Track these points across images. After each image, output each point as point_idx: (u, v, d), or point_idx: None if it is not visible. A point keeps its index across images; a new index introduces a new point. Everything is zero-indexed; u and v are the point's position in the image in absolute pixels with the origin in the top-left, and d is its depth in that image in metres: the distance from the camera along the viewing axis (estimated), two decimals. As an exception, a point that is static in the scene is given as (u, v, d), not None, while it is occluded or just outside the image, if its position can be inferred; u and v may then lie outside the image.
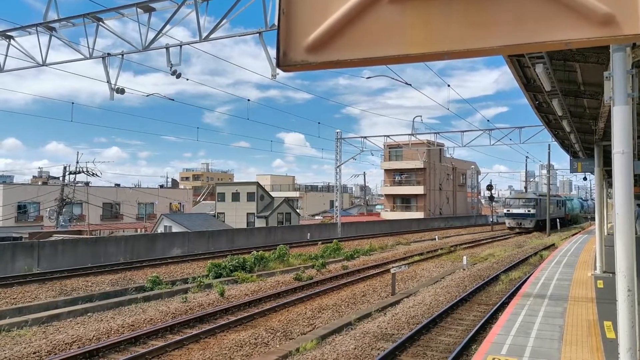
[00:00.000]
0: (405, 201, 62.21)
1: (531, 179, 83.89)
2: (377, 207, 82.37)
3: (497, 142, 35.49)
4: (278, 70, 12.71)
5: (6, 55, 15.84)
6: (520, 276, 18.61)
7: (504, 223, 48.56)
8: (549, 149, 42.12)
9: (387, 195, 64.08)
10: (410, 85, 23.26)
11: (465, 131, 36.70)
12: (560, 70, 9.71)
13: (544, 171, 60.12)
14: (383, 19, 1.17)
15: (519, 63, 9.60)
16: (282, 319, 12.87)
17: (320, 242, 30.94)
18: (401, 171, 62.26)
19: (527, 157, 74.75)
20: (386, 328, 11.67)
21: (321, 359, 9.34)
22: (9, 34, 15.57)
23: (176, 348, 10.52)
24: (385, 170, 62.79)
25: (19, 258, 20.94)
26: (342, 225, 40.57)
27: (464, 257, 22.85)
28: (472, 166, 71.18)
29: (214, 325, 12.12)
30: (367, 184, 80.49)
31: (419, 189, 59.93)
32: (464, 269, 21.02)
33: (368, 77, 46.70)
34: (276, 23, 1.26)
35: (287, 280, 18.57)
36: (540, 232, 43.44)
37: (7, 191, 48.89)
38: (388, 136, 43.97)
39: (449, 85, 31.15)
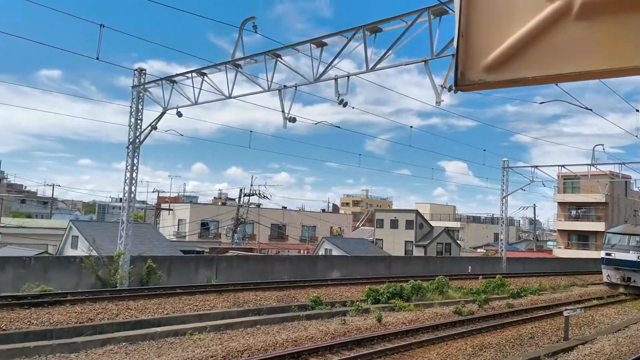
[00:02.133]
0: (582, 238, 56.26)
1: None
2: (549, 243, 75.70)
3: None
4: (442, 97, 12.64)
5: (200, 90, 18.18)
6: None
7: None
8: None
9: (560, 231, 58.63)
10: (591, 110, 21.20)
11: (659, 162, 32.14)
12: None
13: None
14: (568, 36, 1.17)
15: None
16: (441, 353, 12.46)
17: (481, 277, 29.39)
18: (578, 205, 56.58)
19: None
20: (557, 375, 10.61)
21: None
22: (203, 71, 17.86)
23: (334, 367, 10.80)
24: (559, 203, 57.62)
25: (201, 270, 23.48)
26: (508, 260, 38.06)
27: (656, 306, 19.79)
28: (667, 202, 61.77)
29: (371, 350, 12.20)
30: (536, 218, 74.61)
31: (599, 226, 53.73)
32: (656, 320, 18.21)
33: (541, 103, 43.92)
34: (455, 45, 1.33)
35: (446, 313, 17.95)
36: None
37: (193, 210, 55.32)
38: (563, 166, 40.34)
39: (637, 110, 27.69)
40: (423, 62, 12.94)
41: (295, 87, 16.21)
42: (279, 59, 15.87)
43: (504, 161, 38.13)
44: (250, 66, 17.06)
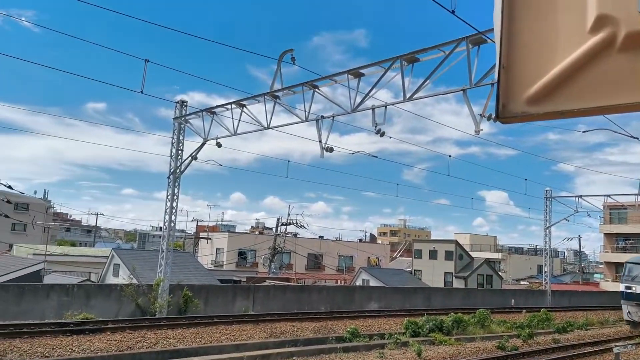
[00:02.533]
0: (632, 271, 53.74)
1: None
2: (595, 275, 72.59)
3: None
4: (482, 126, 12.50)
5: (239, 121, 18.57)
6: None
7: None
8: None
9: (607, 263, 56.26)
10: (637, 139, 20.51)
11: None
12: None
13: None
14: (613, 67, 1.15)
15: None
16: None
17: (525, 310, 28.34)
18: (625, 236, 54.33)
19: None
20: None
21: None
22: (242, 102, 18.27)
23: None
24: (606, 234, 55.47)
25: (238, 299, 23.53)
26: (552, 293, 36.66)
27: None
28: None
29: (410, 385, 11.84)
30: (582, 249, 71.94)
31: (649, 258, 51.33)
32: None
33: (584, 131, 42.78)
34: (496, 77, 1.32)
35: (489, 348, 17.34)
36: None
37: (231, 239, 55.85)
38: (609, 195, 38.93)
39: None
40: (462, 92, 12.88)
41: (333, 117, 16.36)
42: (316, 89, 16.09)
43: (546, 190, 37.13)
44: (288, 97, 17.37)
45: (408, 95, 13.89)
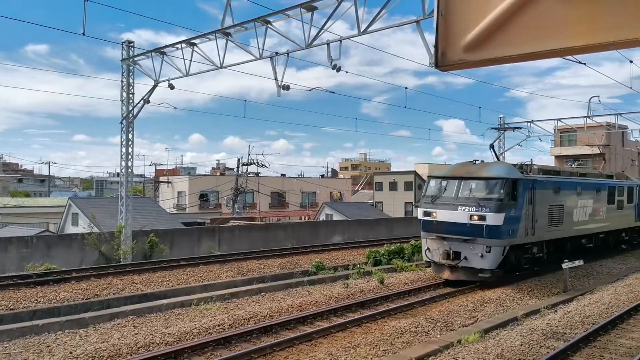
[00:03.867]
0: (580, 190, 56.65)
1: None
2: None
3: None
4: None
5: (190, 60, 17.92)
6: None
7: None
8: None
9: (557, 184, 58.99)
10: (584, 64, 21.02)
11: (655, 111, 31.99)
12: None
13: None
14: (545, 14, 1.17)
15: None
16: (443, 310, 12.73)
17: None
18: (575, 157, 56.60)
19: None
20: (557, 326, 10.89)
21: (484, 353, 9.07)
22: (192, 41, 17.56)
23: (340, 330, 11.05)
24: (556, 157, 57.69)
25: (203, 241, 23.71)
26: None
27: (652, 254, 20.10)
28: (664, 150, 61.91)
29: (375, 311, 12.46)
30: (534, 172, 74.75)
31: (596, 177, 54.06)
32: (653, 268, 18.55)
33: (535, 57, 43.23)
34: (434, 25, 1.33)
35: (447, 271, 18.22)
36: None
37: (192, 181, 55.39)
38: (559, 119, 40.21)
39: (631, 62, 27.37)
40: (415, 23, 12.75)
41: (288, 53, 16.00)
42: (269, 25, 15.59)
43: (500, 117, 38.06)
44: (240, 34, 16.79)
45: (363, 28, 13.65)
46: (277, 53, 16.16)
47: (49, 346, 9.75)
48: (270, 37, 17.58)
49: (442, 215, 15.68)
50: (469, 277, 15.38)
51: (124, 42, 20.09)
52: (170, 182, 57.60)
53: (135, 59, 19.98)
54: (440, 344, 9.72)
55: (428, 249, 16.38)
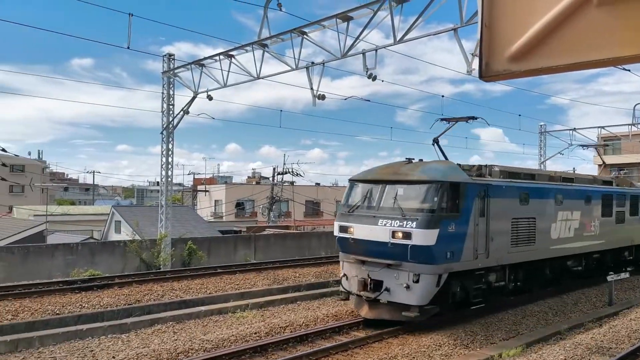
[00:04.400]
0: (625, 200, 54.66)
1: None
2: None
3: None
4: (474, 65, 12.36)
5: (228, 72, 18.30)
6: None
7: None
8: None
9: (601, 194, 57.08)
10: (629, 70, 20.40)
11: None
12: None
13: None
14: (590, 24, 1.17)
15: None
16: (482, 322, 12.47)
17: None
18: (620, 166, 54.83)
19: None
20: (602, 341, 10.52)
21: (524, 367, 8.85)
22: (230, 53, 17.92)
23: (376, 340, 10.97)
24: (599, 165, 56.01)
25: (239, 249, 24.00)
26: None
27: None
28: None
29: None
30: (576, 181, 72.55)
31: (642, 187, 52.07)
32: None
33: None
34: (478, 36, 1.34)
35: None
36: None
37: (229, 190, 56.18)
38: (603, 127, 39.07)
39: (681, 65, 26.32)
40: (452, 31, 12.66)
41: (323, 63, 16.12)
42: (304, 36, 15.76)
43: (540, 125, 37.23)
44: (276, 45, 17.02)
45: (399, 37, 13.64)
46: (312, 63, 16.31)
47: (92, 350, 10.04)
48: (305, 47, 17.74)
49: (359, 231, 11.87)
50: (392, 315, 11.46)
51: (165, 55, 20.67)
52: (207, 191, 58.57)
53: (176, 71, 20.52)
54: (479, 356, 9.54)
55: (345, 275, 12.53)
